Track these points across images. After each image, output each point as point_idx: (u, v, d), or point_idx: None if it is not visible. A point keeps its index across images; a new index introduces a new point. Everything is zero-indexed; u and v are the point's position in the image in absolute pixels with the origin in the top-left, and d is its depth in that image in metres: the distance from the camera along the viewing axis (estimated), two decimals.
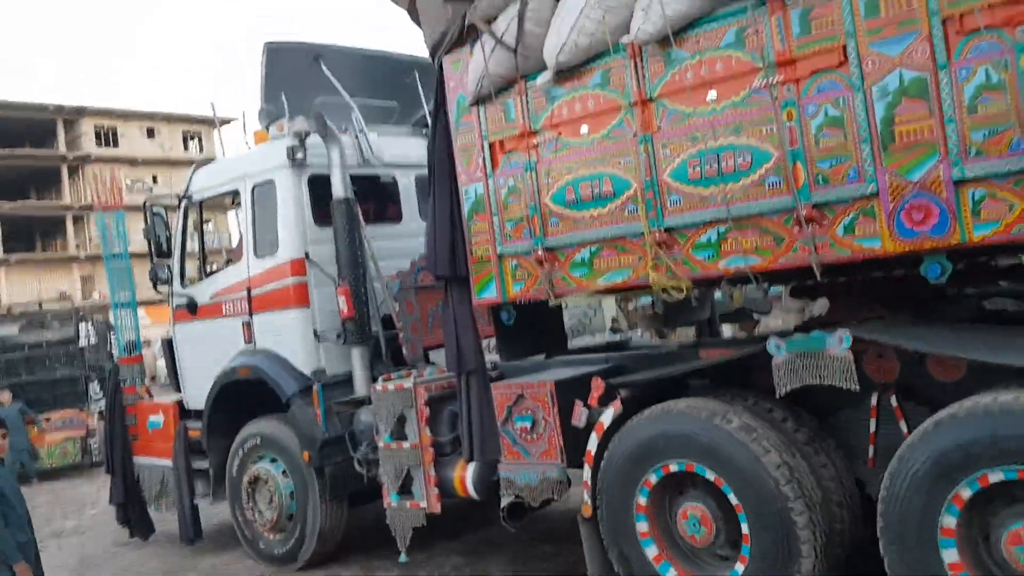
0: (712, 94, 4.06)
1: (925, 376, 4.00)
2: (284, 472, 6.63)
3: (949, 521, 3.53)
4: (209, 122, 45.02)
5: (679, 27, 4.05)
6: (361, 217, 6.59)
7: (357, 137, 7.06)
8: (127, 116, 44.85)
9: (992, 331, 4.05)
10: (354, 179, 6.73)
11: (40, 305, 32.11)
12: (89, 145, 43.24)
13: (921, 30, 3.45)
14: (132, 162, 43.82)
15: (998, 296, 5.23)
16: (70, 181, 43.11)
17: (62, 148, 43.14)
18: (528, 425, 5.09)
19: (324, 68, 7.19)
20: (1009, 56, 3.26)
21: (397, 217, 7.30)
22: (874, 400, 4.13)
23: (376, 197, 7.33)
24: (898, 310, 4.58)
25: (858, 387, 3.86)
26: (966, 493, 3.49)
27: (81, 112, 43.39)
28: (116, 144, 44.27)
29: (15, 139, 41.40)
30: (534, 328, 5.51)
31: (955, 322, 4.44)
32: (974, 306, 4.94)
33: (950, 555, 3.55)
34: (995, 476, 3.42)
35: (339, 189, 6.49)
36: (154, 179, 43.93)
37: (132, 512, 8.09)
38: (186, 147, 46.81)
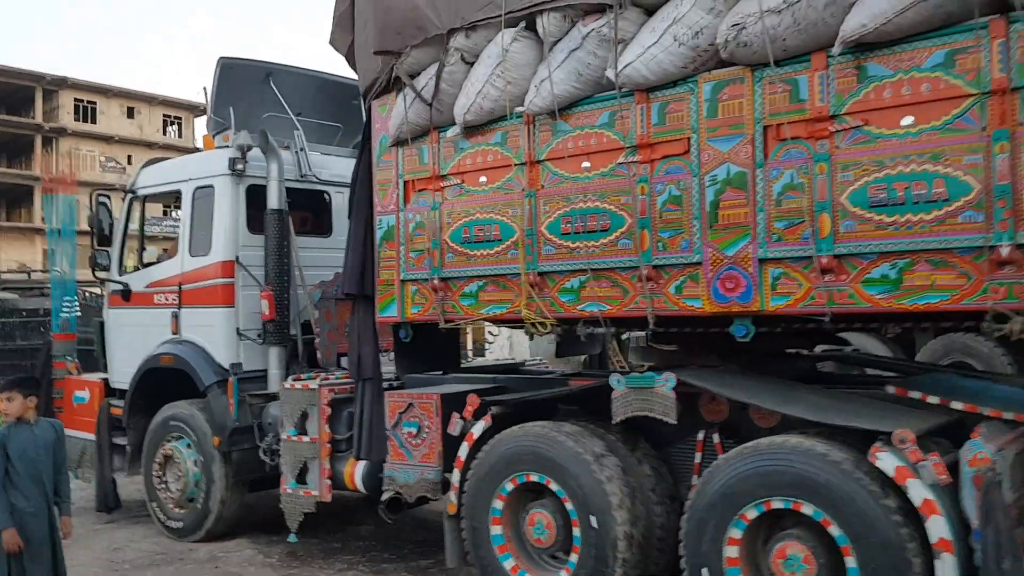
0: (586, 163, 4.80)
1: (747, 420, 4.75)
2: (194, 453, 7.19)
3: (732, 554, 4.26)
4: (191, 108, 45.11)
5: (564, 105, 4.79)
6: (292, 228, 7.21)
7: (298, 153, 7.68)
8: (108, 92, 44.33)
9: (796, 388, 4.80)
10: (292, 192, 7.36)
11: None
12: (67, 118, 42.86)
13: (747, 133, 4.23)
14: (108, 140, 43.50)
15: (827, 359, 6.08)
16: (43, 152, 42.43)
17: (39, 118, 42.70)
18: (414, 431, 5.76)
19: (274, 86, 7.83)
20: (809, 164, 4.05)
21: (328, 231, 7.93)
22: (701, 436, 4.87)
23: (311, 210, 7.97)
24: (736, 362, 5.33)
25: (676, 421, 4.59)
26: (753, 512, 4.22)
27: (62, 83, 42.84)
28: (94, 120, 43.94)
29: None
30: (431, 347, 6.18)
31: (784, 378, 5.19)
32: (808, 367, 5.75)
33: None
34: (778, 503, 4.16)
35: (274, 201, 7.11)
36: (129, 160, 43.20)
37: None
38: (165, 131, 46.40)
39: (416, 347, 6.05)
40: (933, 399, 4.35)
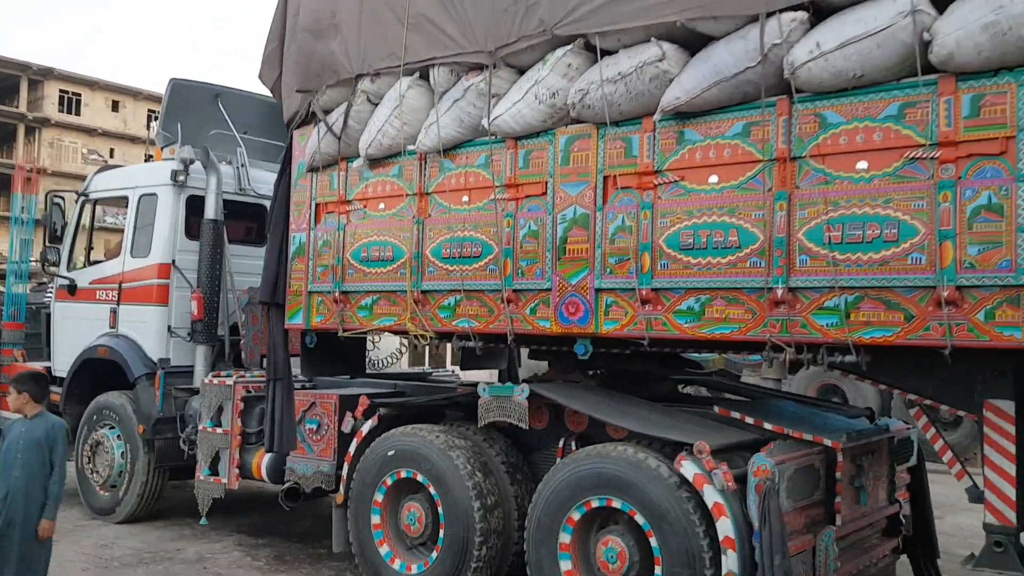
0: (465, 197, 5.49)
1: (602, 431, 5.41)
2: (120, 440, 7.77)
3: (565, 537, 4.92)
4: None
5: (449, 146, 5.48)
6: (226, 237, 7.85)
7: (239, 168, 8.33)
8: (93, 85, 44.27)
9: (637, 404, 5.46)
10: (231, 203, 8.01)
11: None
12: (51, 109, 42.89)
13: (591, 181, 4.93)
14: (91, 132, 43.53)
15: (690, 382, 6.78)
16: (25, 141, 42.42)
17: (23, 107, 42.66)
18: (315, 427, 6.40)
19: (221, 107, 8.48)
20: (636, 210, 4.74)
21: (262, 241, 8.55)
22: (561, 443, 5.53)
23: (247, 221, 8.60)
24: (613, 380, 5.99)
25: (527, 426, 5.27)
26: (576, 516, 4.88)
27: (47, 73, 43.01)
28: (78, 112, 43.94)
29: None
30: (339, 353, 6.82)
31: (643, 396, 5.83)
32: (671, 387, 6.43)
33: (566, 565, 4.92)
34: (596, 503, 4.83)
35: (210, 211, 7.75)
36: (111, 153, 43.32)
37: None
38: (148, 126, 46.53)
39: (324, 352, 6.68)
40: (749, 420, 5.04)
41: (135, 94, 46.02)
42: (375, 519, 5.84)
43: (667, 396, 6.10)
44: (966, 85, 3.78)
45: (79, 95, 44.20)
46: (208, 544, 7.24)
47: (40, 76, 43.05)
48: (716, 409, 5.26)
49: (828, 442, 4.73)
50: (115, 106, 45.51)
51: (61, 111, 43.51)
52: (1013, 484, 4.13)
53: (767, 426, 4.94)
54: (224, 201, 7.92)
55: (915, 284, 3.89)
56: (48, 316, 9.07)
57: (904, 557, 5.79)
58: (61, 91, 43.81)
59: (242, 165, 8.35)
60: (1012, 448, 4.17)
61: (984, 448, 4.20)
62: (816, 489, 4.74)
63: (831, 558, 4.62)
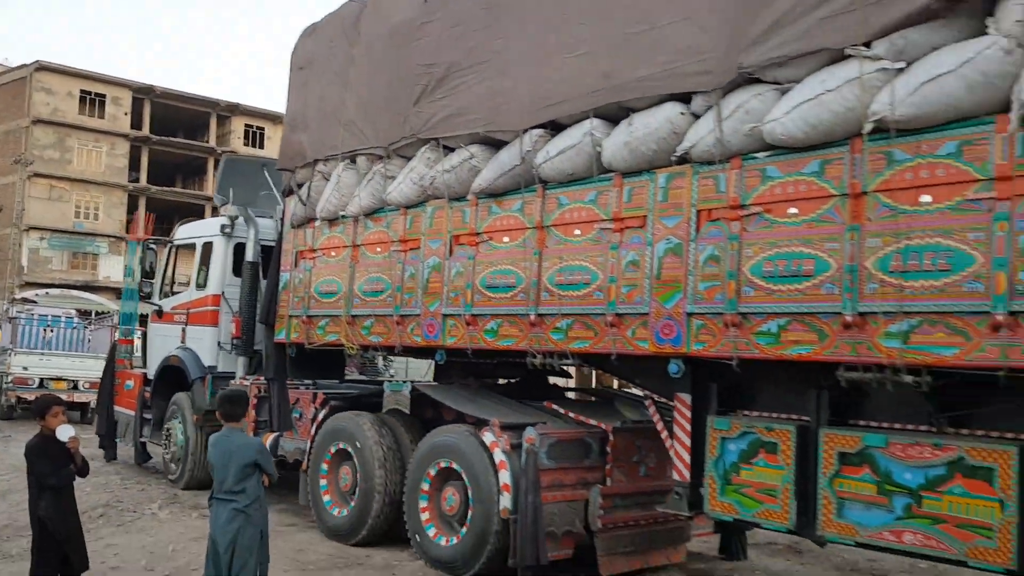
0: (378, 249, 7.72)
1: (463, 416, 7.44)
2: (183, 426, 10.43)
3: (425, 486, 7.00)
4: None
5: (367, 212, 7.74)
6: (262, 274, 10.40)
7: (278, 221, 10.90)
8: (275, 119, 45.48)
9: (488, 396, 7.43)
10: (270, 248, 10.58)
11: None
12: (237, 143, 45.90)
13: (443, 239, 7.02)
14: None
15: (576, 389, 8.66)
16: (214, 175, 46.20)
17: (212, 142, 46.17)
18: (299, 416, 8.77)
19: (266, 174, 11.11)
20: (466, 262, 6.80)
21: None
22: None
23: None
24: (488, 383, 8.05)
25: (409, 411, 7.41)
26: (432, 471, 6.96)
27: (234, 109, 46.58)
28: (262, 145, 46.85)
29: (172, 128, 45.23)
30: (322, 362, 9.16)
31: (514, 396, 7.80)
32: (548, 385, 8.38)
33: (423, 503, 7.00)
34: (443, 464, 6.88)
35: (249, 255, 10.31)
36: None
37: (108, 441, 11.96)
38: None
39: (310, 361, 9.05)
40: (562, 410, 6.99)
41: None
42: (323, 480, 8.09)
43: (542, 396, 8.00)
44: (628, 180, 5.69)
45: (263, 129, 47.41)
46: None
47: (227, 112, 46.68)
48: (545, 403, 7.22)
49: (603, 426, 6.62)
50: None
51: (246, 144, 46.48)
52: (688, 451, 5.83)
53: (569, 413, 6.89)
54: (264, 246, 10.49)
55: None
56: (144, 334, 11.96)
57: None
58: (246, 125, 47.17)
59: (280, 219, 10.92)
60: (688, 427, 5.89)
61: (672, 427, 5.95)
62: (587, 457, 6.60)
63: (596, 506, 6.46)
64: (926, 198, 4.32)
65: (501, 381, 8.58)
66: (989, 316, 4.08)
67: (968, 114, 4.14)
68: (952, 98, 4.11)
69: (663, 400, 6.16)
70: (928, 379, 4.38)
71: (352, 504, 7.71)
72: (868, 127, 4.37)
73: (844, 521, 4.89)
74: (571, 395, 8.80)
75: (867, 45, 4.43)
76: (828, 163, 4.69)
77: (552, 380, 8.51)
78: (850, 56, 4.48)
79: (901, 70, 4.31)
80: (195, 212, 45.51)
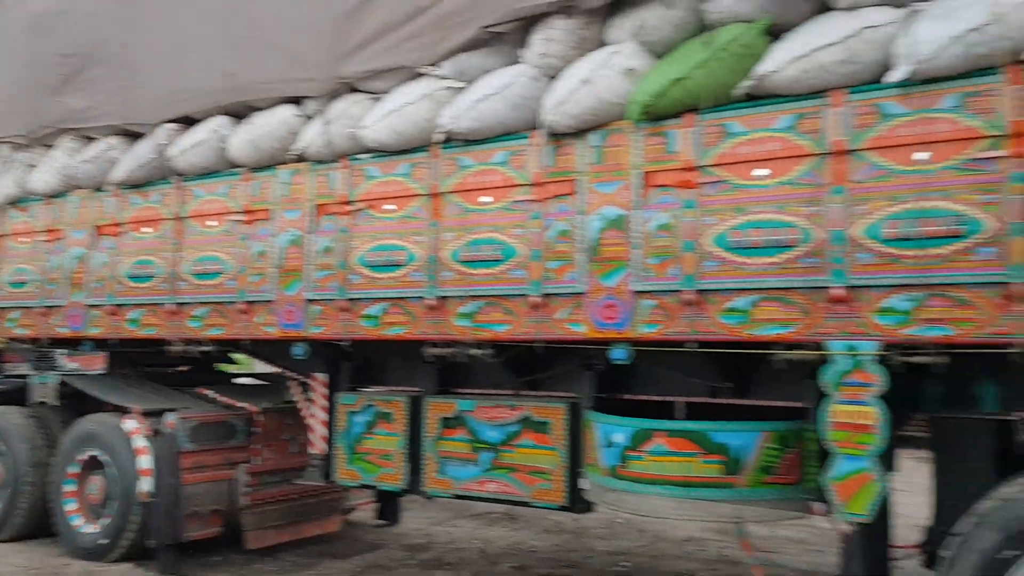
0: (24, 238, 7.53)
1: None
2: None
3: (72, 470, 6.99)
4: None
5: (12, 200, 7.52)
6: None
7: None
8: None
9: (140, 385, 7.45)
10: None
11: None
12: None
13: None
14: None
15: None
16: None
17: None
18: None
19: None
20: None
21: None
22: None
23: None
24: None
25: (57, 402, 7.34)
26: (81, 457, 6.94)
27: None
28: None
29: None
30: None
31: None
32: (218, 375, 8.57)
33: (69, 487, 6.99)
34: (90, 453, 6.90)
35: None
36: None
37: None
38: None
39: None
40: (213, 395, 7.24)
41: None
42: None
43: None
44: None
45: None
46: None
47: None
48: (198, 390, 7.44)
49: (249, 407, 6.98)
50: None
51: None
52: (325, 426, 6.32)
53: (219, 397, 7.17)
54: None
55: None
56: None
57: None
58: None
59: None
60: (325, 403, 6.37)
61: (310, 406, 6.43)
62: (232, 438, 6.93)
63: (243, 484, 6.80)
64: (486, 199, 5.09)
65: (171, 371, 8.62)
66: (525, 298, 4.89)
67: (513, 129, 4.92)
68: (500, 115, 4.87)
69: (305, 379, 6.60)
70: (491, 351, 5.18)
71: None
72: (439, 137, 5.06)
73: (444, 477, 5.62)
74: (244, 380, 9.05)
75: (438, 64, 5.13)
76: (415, 166, 5.34)
77: (221, 367, 8.67)
78: (424, 73, 5.15)
79: (463, 88, 5.03)
80: None
